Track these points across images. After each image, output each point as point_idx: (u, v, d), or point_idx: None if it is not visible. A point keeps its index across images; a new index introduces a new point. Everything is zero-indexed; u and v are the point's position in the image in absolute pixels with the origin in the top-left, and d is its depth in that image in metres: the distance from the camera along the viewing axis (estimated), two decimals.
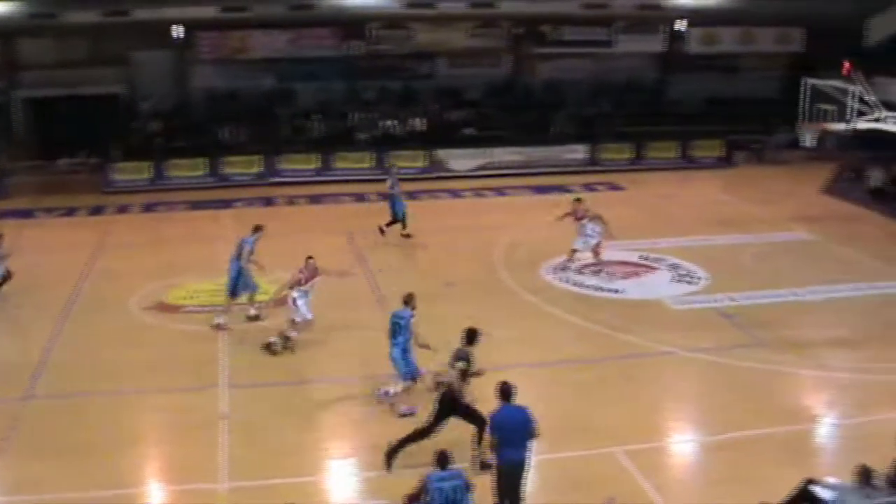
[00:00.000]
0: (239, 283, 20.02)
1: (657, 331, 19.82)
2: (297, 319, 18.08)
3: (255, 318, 20.29)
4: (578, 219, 23.43)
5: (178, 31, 37.60)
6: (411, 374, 15.78)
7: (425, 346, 15.78)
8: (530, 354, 18.16)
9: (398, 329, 15.65)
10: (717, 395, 17.13)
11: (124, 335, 19.85)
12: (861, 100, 27.81)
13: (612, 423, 15.51)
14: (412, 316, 15.67)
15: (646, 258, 25.08)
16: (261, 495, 13.41)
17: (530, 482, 12.49)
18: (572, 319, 20.59)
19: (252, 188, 35.13)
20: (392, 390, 15.93)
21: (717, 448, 15.14)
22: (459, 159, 37.49)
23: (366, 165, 36.66)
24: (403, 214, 27.03)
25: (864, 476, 11.31)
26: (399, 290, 21.49)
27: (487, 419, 12.51)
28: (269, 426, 15.52)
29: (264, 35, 38.52)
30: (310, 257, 18.46)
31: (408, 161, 34.22)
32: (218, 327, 19.84)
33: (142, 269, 24.40)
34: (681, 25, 41.29)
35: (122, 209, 32.29)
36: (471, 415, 13.59)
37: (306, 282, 17.99)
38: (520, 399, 12.16)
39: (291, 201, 33.17)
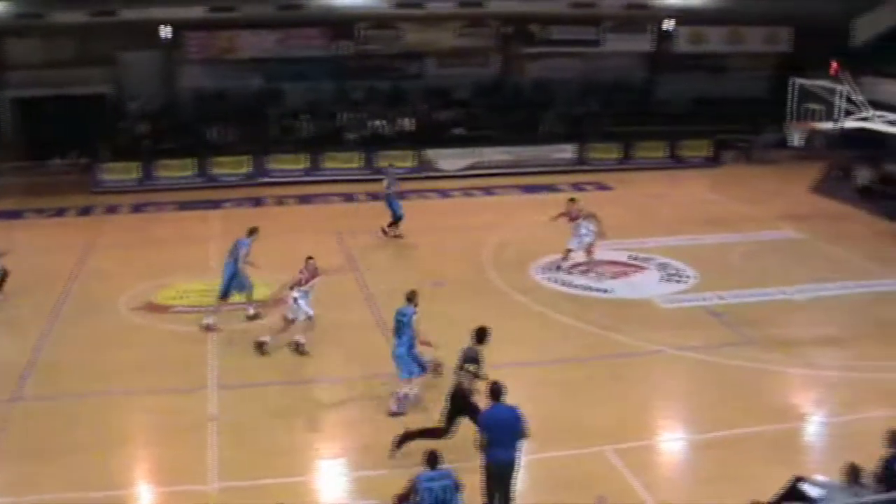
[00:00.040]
0: (232, 285, 20.05)
1: (646, 330, 19.87)
2: (300, 318, 18.09)
3: (255, 317, 20.41)
4: (573, 219, 23.49)
5: (165, 32, 37.51)
6: (420, 369, 15.87)
7: (426, 343, 15.85)
8: (520, 354, 18.17)
9: (401, 326, 15.70)
10: (705, 393, 17.19)
11: (113, 336, 19.82)
12: (848, 99, 27.90)
13: (601, 422, 15.55)
14: (415, 313, 15.72)
15: (635, 257, 25.13)
16: (251, 496, 13.40)
17: (520, 482, 12.52)
18: (561, 319, 20.63)
19: (241, 188, 35.05)
20: (408, 392, 15.97)
21: (706, 446, 15.19)
22: (448, 159, 37.49)
23: (355, 165, 36.66)
24: (397, 215, 27.10)
25: (853, 474, 11.35)
26: (388, 289, 21.70)
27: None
28: (259, 427, 15.51)
29: (252, 35, 38.43)
30: (310, 258, 18.51)
31: (397, 161, 34.11)
32: (207, 328, 19.83)
33: (131, 270, 24.36)
34: (669, 25, 41.36)
35: (111, 210, 32.20)
36: (478, 414, 13.59)
37: (306, 282, 18.05)
38: (509, 398, 12.17)
39: (280, 201, 33.12)
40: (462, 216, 31.05)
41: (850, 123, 28.42)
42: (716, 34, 42.34)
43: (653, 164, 38.80)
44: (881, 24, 37.86)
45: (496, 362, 14.38)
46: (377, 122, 39.39)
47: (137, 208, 32.36)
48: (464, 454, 12.71)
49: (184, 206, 32.57)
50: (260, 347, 18.39)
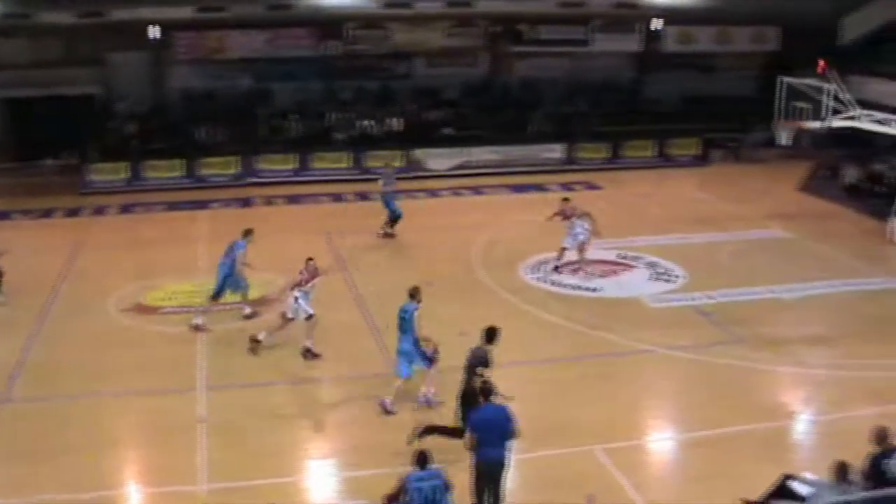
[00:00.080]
0: (226, 285, 20.10)
1: (635, 329, 19.92)
2: (300, 317, 18.10)
3: (251, 316, 20.52)
4: (567, 217, 23.56)
5: (154, 32, 37.38)
6: (427, 362, 15.94)
7: (427, 339, 15.89)
8: (509, 353, 18.02)
9: (404, 323, 15.77)
10: (695, 392, 17.25)
11: (103, 337, 19.78)
12: (836, 98, 27.96)
13: (590, 422, 15.59)
14: (416, 309, 15.78)
15: (623, 257, 25.17)
16: (240, 496, 13.42)
17: (510, 481, 12.54)
18: (550, 318, 20.67)
19: (229, 189, 34.94)
20: (428, 390, 16.04)
21: (695, 445, 15.24)
22: (437, 159, 37.46)
23: (343, 165, 36.61)
24: (395, 214, 27.11)
25: (841, 472, 11.41)
26: (377, 289, 21.76)
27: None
28: (248, 427, 15.51)
29: (241, 35, 38.30)
30: (310, 259, 18.59)
31: (385, 161, 34.08)
32: (197, 328, 19.83)
33: (119, 271, 24.30)
34: (657, 24, 41.35)
35: (99, 210, 32.08)
36: None
37: (307, 282, 18.11)
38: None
39: (269, 202, 33.05)
40: (451, 216, 31.05)
41: (837, 122, 28.50)
42: (704, 34, 42.35)
43: (641, 164, 38.82)
44: (868, 23, 37.97)
45: None
46: (366, 122, 39.29)
47: (126, 209, 32.24)
48: (453, 454, 12.72)
49: (172, 206, 32.46)
50: (254, 344, 18.43)
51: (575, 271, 23.56)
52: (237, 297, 20.50)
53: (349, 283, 22.93)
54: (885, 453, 11.55)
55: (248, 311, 20.63)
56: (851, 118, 28.43)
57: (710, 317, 20.74)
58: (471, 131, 38.85)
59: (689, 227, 28.60)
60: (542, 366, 18.04)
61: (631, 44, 42.01)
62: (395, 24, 39.16)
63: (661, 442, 15.86)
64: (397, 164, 35.70)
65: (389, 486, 11.26)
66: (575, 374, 17.89)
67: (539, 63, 41.74)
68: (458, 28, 40.13)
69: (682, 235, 27.51)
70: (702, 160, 39.61)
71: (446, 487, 11.02)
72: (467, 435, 12.22)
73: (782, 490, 12.13)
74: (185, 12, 35.58)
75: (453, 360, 15.27)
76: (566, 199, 24.31)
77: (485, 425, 11.98)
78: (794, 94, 28.96)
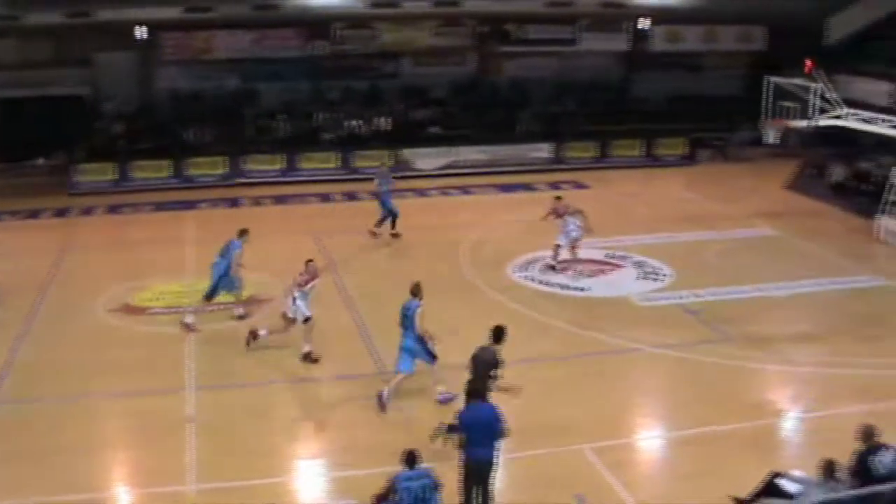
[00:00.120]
0: (220, 285, 20.06)
1: (623, 328, 19.96)
2: (299, 318, 18.07)
3: (243, 317, 20.49)
4: (560, 216, 23.63)
5: (141, 32, 37.28)
6: (431, 357, 16.00)
7: (428, 336, 15.90)
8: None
9: (406, 320, 15.80)
10: (683, 390, 17.30)
11: (91, 338, 19.74)
12: (822, 97, 28.08)
13: (579, 420, 15.62)
14: (419, 306, 15.82)
15: (611, 256, 25.21)
16: (229, 496, 13.39)
17: (499, 480, 12.55)
18: (539, 317, 20.68)
19: (217, 189, 34.89)
20: (444, 388, 16.04)
21: (683, 443, 15.28)
22: (425, 158, 37.48)
23: (331, 165, 36.62)
24: (390, 214, 27.13)
25: (828, 469, 11.46)
26: (365, 289, 21.73)
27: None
28: (237, 427, 15.49)
29: (228, 35, 38.25)
30: (310, 260, 18.57)
31: (373, 161, 34.09)
32: (187, 327, 19.81)
33: (107, 272, 24.25)
34: (644, 24, 41.43)
35: (87, 211, 31.99)
36: None
37: (306, 283, 18.09)
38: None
39: (257, 202, 33.00)
40: (439, 215, 31.07)
41: (824, 121, 28.62)
42: (691, 33, 42.47)
43: (629, 163, 38.90)
44: (854, 22, 38.10)
45: None
46: (354, 122, 39.27)
47: (113, 209, 32.15)
48: (442, 453, 12.73)
49: (160, 206, 32.40)
50: (251, 337, 18.48)
51: (563, 270, 23.61)
52: (230, 298, 20.45)
53: (338, 284, 22.86)
54: (872, 450, 11.62)
55: (240, 311, 20.61)
56: (838, 117, 28.58)
57: (697, 315, 20.79)
58: (459, 131, 38.89)
59: (676, 225, 28.66)
60: (530, 364, 17.97)
61: (618, 43, 42.11)
62: (383, 23, 39.17)
63: (649, 440, 15.89)
64: (386, 163, 35.73)
65: (379, 485, 11.24)
66: (563, 373, 17.92)
67: (527, 62, 41.80)
68: (445, 27, 40.14)
69: (670, 234, 27.58)
70: (689, 159, 39.72)
71: (435, 487, 11.03)
72: (457, 433, 12.23)
73: (770, 487, 12.18)
74: (172, 12, 35.48)
75: (444, 359, 15.57)
76: (559, 198, 24.37)
77: (474, 424, 11.99)
78: (781, 93, 29.07)
